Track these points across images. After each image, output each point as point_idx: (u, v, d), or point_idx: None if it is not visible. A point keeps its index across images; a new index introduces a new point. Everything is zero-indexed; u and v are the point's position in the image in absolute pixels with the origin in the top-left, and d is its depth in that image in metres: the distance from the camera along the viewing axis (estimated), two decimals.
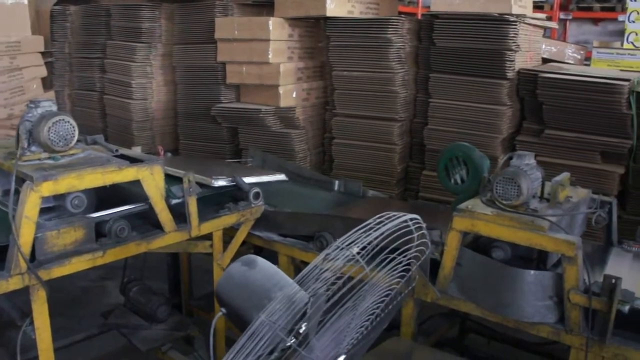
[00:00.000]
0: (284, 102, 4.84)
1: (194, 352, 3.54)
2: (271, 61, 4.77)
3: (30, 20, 5.86)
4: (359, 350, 1.83)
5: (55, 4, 6.14)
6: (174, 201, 2.93)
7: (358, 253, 1.57)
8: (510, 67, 4.14)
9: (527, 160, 2.65)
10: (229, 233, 3.34)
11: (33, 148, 2.69)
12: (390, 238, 1.64)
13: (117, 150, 2.96)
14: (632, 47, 5.65)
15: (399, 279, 1.79)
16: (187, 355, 3.43)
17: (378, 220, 1.61)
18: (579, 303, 2.37)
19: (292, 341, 1.52)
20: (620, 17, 7.25)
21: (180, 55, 5.39)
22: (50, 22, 6.12)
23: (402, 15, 4.96)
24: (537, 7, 7.61)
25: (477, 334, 3.60)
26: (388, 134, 4.63)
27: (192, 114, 5.40)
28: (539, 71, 4.20)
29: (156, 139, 5.66)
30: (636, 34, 5.69)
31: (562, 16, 8.52)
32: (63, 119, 2.67)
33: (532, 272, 2.48)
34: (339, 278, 1.58)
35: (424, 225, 1.80)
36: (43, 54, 5.97)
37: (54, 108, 2.77)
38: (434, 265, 2.75)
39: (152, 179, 2.80)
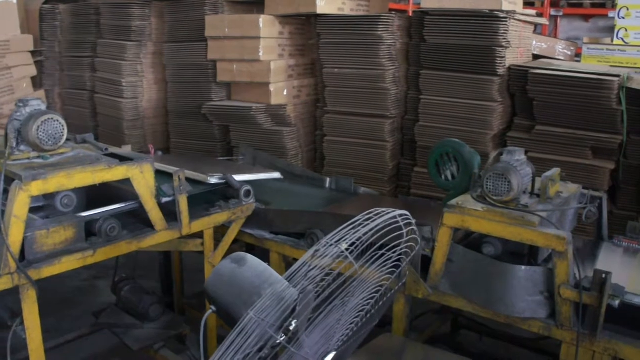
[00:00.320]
0: (275, 100, 4.83)
1: (186, 350, 3.53)
2: (262, 59, 4.76)
3: (19, 19, 5.83)
4: (349, 347, 1.83)
5: (45, 3, 6.10)
6: (165, 199, 2.93)
7: (347, 249, 1.56)
8: (500, 63, 4.14)
9: (517, 156, 2.65)
10: (220, 231, 3.34)
11: (22, 147, 2.68)
12: (379, 234, 1.64)
13: (106, 149, 2.95)
14: (622, 44, 5.65)
15: (389, 275, 1.79)
16: (180, 354, 3.42)
17: (367, 217, 1.61)
18: (570, 298, 2.38)
19: (281, 338, 1.52)
20: (611, 14, 7.27)
21: (171, 54, 5.37)
22: (39, 21, 6.09)
23: (393, 12, 4.96)
24: (528, 4, 7.63)
25: (469, 330, 3.61)
26: (379, 131, 4.63)
27: (183, 112, 5.38)
28: (529, 67, 4.20)
29: (147, 137, 5.65)
30: (626, 30, 5.69)
31: (552, 12, 8.55)
32: (52, 118, 2.66)
33: (523, 267, 2.49)
34: (328, 274, 1.58)
35: (413, 221, 1.80)
36: (33, 53, 5.95)
37: (43, 107, 2.76)
38: (426, 262, 2.75)
39: (142, 178, 2.79)
